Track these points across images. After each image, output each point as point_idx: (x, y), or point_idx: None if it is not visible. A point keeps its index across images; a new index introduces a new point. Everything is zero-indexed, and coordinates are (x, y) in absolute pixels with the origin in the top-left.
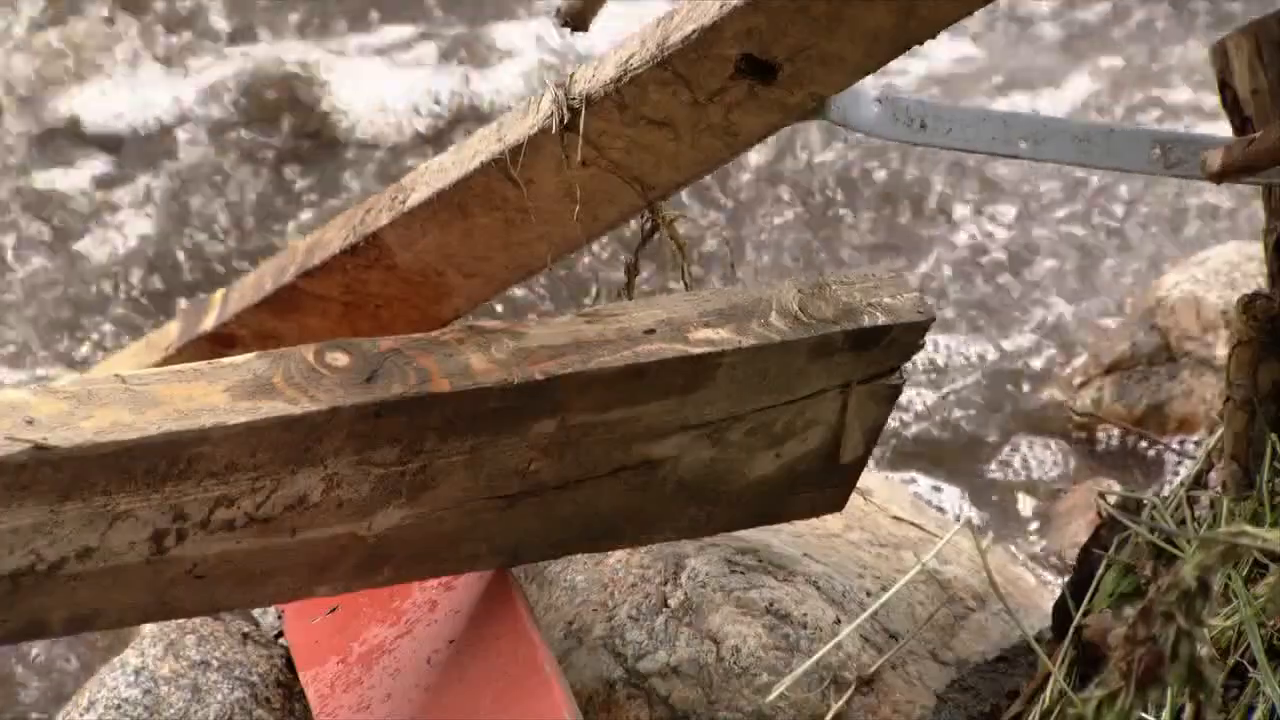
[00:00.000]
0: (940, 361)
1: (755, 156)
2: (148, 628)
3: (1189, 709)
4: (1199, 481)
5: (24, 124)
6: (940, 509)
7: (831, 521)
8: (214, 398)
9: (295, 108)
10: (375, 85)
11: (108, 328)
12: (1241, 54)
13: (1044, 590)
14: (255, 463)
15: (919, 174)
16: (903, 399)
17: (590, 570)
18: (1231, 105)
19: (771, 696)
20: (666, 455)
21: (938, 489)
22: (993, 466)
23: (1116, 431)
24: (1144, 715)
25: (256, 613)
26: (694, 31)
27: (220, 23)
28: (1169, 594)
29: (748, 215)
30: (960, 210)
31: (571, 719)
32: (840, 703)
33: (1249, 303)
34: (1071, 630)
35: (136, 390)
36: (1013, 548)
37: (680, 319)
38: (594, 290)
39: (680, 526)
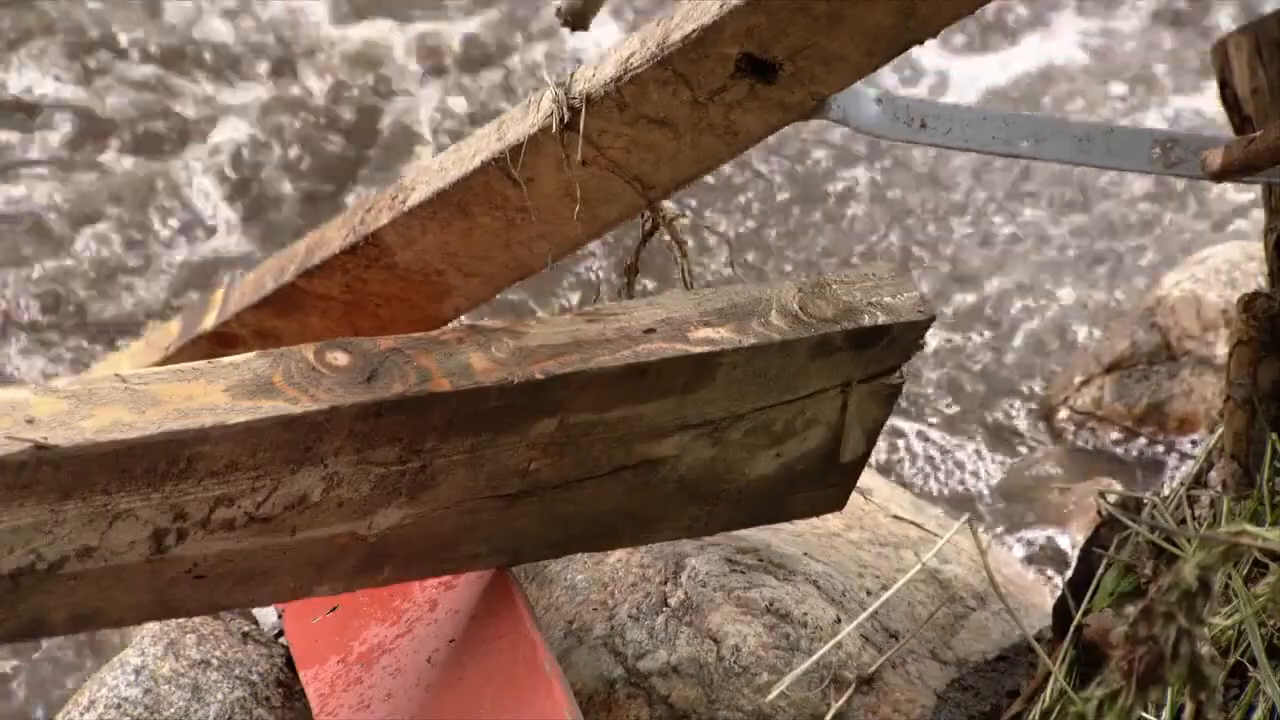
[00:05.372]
0: (940, 360)
1: (754, 153)
2: (148, 627)
3: (1189, 708)
4: (1199, 481)
5: None
6: (940, 508)
7: (831, 520)
8: (214, 397)
9: None
10: None
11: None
12: (1241, 53)
13: (1044, 590)
14: (255, 462)
15: (917, 171)
16: (902, 398)
17: (590, 570)
18: (1231, 104)
19: (772, 695)
20: (667, 454)
21: (937, 488)
22: (993, 466)
23: (1116, 431)
24: (1144, 715)
25: (256, 612)
26: (694, 31)
27: None
28: (1170, 593)
29: (748, 215)
30: (960, 209)
31: (571, 719)
32: (840, 702)
33: (1249, 302)
34: (1072, 630)
35: (137, 390)
36: (1013, 547)
37: (680, 318)
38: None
39: (680, 526)
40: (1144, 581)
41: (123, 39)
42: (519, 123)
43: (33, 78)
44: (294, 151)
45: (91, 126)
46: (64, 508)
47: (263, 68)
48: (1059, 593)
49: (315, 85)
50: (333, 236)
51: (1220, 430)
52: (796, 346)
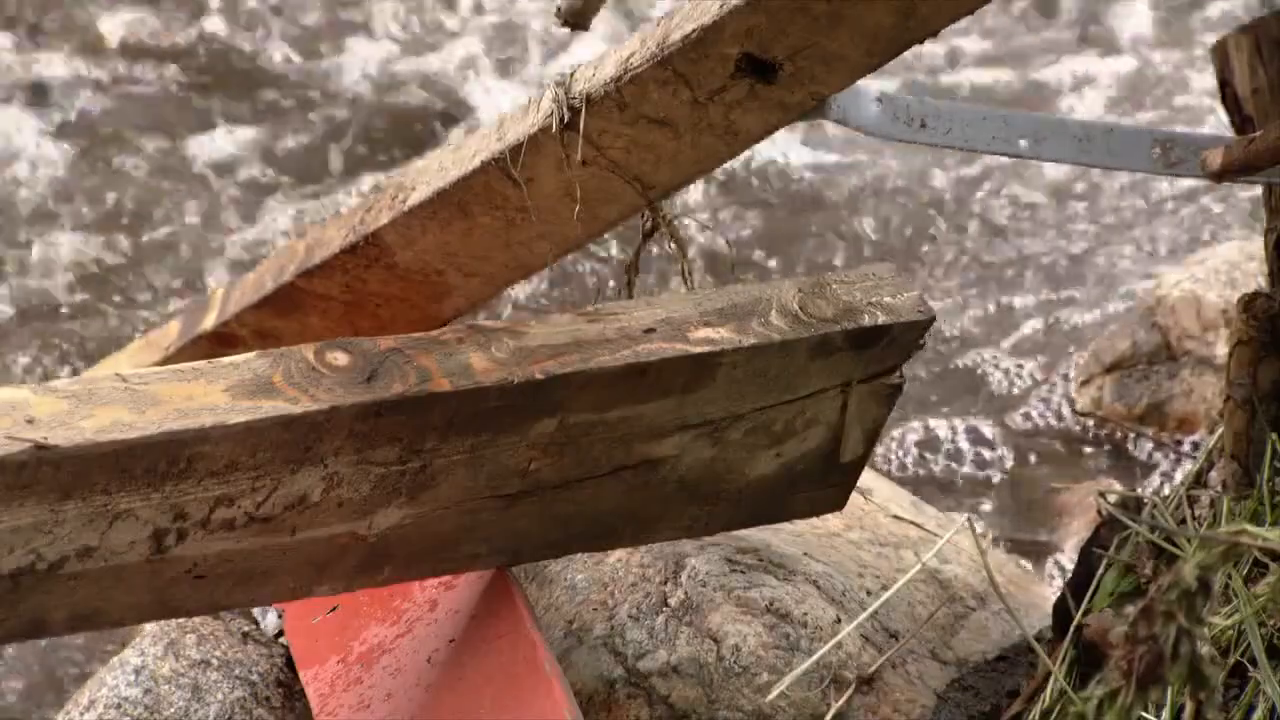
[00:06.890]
0: (940, 360)
1: (753, 155)
2: (148, 627)
3: (1189, 708)
4: (1199, 481)
5: None
6: (940, 508)
7: (832, 520)
8: (214, 397)
9: None
10: None
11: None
12: (1241, 53)
13: (1044, 590)
14: (255, 462)
15: (918, 172)
16: (902, 398)
17: (590, 569)
18: (1231, 104)
19: (772, 695)
20: (667, 455)
21: (937, 488)
22: (992, 465)
23: (1116, 431)
24: (1144, 714)
25: (256, 612)
26: (694, 30)
27: None
28: (1169, 593)
29: (750, 215)
30: (960, 209)
31: (572, 719)
32: (840, 702)
33: (1249, 301)
34: (1072, 629)
35: (137, 389)
36: (1012, 547)
37: (680, 318)
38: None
39: (680, 526)
40: (1144, 581)
41: None
42: (519, 122)
43: None
44: None
45: None
46: (64, 508)
47: None
48: (1059, 593)
49: None
50: (332, 236)
51: (1220, 430)
52: (796, 346)
